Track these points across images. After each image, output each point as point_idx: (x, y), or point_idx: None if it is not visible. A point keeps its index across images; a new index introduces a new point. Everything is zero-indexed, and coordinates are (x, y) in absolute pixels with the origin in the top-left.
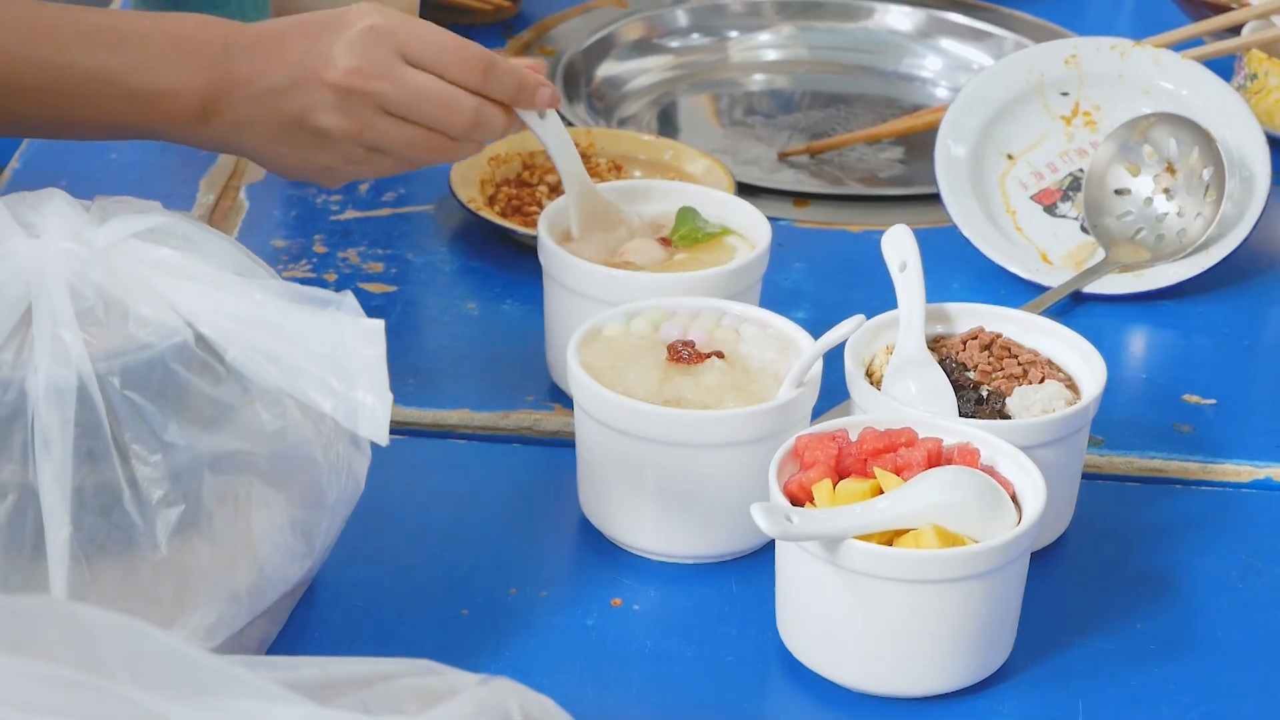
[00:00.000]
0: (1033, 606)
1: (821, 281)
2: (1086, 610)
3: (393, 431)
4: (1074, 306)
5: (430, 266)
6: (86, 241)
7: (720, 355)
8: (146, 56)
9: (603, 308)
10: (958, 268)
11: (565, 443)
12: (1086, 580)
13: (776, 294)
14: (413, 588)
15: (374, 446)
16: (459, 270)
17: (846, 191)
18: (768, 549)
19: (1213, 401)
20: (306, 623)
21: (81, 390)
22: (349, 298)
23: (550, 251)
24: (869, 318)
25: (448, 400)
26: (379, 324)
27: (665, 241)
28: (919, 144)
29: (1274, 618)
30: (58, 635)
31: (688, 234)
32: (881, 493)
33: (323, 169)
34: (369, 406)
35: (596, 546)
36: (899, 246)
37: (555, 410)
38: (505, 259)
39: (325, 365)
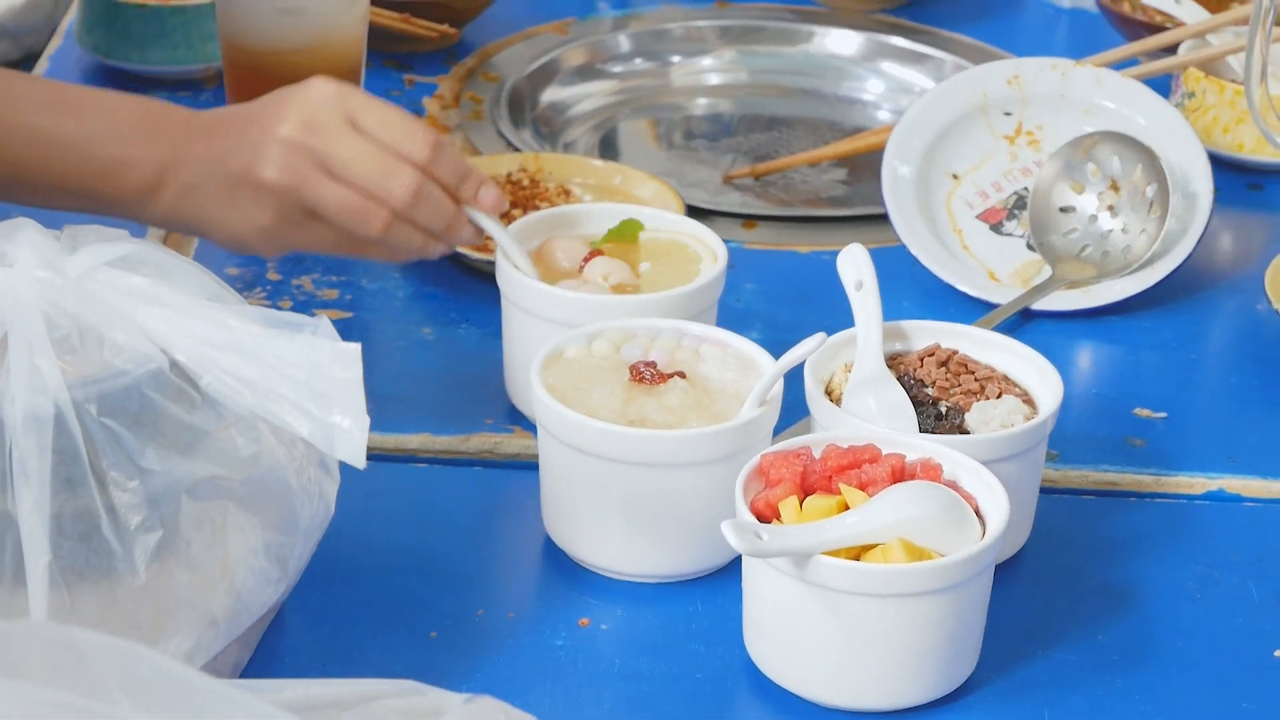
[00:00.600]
0: (995, 620)
1: (773, 302)
2: (1048, 622)
3: None
4: (1023, 323)
5: (384, 293)
6: (60, 270)
7: (682, 375)
8: (110, 126)
9: (562, 330)
10: (906, 287)
11: (526, 465)
12: (1047, 593)
13: (729, 315)
14: (381, 611)
15: (341, 470)
16: (413, 296)
17: (795, 213)
18: (732, 567)
19: (1163, 415)
20: (276, 648)
21: (59, 418)
22: (324, 322)
23: (509, 275)
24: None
25: (408, 425)
26: (355, 347)
27: (598, 252)
28: (861, 165)
29: (1231, 626)
30: (51, 659)
31: (608, 236)
32: (847, 509)
33: (259, 230)
34: (346, 430)
35: (561, 567)
36: (855, 265)
37: (515, 432)
38: (459, 284)
39: (301, 389)
